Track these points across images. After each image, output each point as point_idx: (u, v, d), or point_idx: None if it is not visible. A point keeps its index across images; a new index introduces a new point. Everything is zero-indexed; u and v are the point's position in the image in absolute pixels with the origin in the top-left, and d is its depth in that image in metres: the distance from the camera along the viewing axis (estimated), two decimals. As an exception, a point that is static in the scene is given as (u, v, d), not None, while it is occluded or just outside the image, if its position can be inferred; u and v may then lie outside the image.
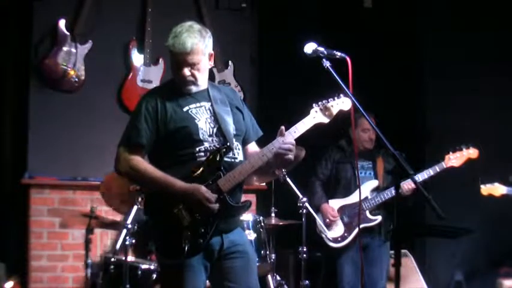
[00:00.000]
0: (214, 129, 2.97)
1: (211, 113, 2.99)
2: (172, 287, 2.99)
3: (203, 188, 2.87)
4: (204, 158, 2.92)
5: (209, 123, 2.98)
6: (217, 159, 2.92)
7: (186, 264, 2.87)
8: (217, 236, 2.93)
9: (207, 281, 3.05)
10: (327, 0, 6.01)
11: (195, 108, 2.98)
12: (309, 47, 2.95)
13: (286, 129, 3.00)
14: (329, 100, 3.08)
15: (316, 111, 3.07)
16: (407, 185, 4.46)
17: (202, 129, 2.95)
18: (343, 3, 6.06)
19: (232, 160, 2.98)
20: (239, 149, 3.05)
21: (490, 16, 5.87)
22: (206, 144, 2.94)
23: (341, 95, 3.07)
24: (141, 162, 2.94)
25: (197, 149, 2.93)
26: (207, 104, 3.01)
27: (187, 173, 2.91)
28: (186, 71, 2.95)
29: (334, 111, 3.08)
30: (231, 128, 3.01)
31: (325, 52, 2.93)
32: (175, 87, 3.02)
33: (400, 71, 6.09)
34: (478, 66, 5.87)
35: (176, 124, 2.93)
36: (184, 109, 2.97)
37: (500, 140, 5.64)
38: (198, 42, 2.93)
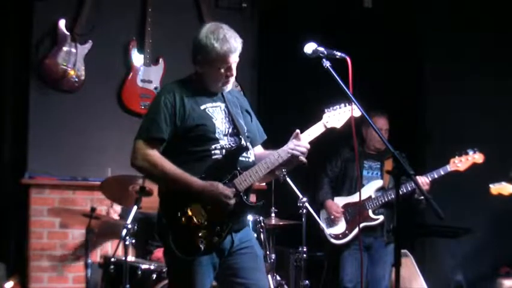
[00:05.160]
0: (229, 129, 3.00)
1: (226, 114, 3.03)
2: (181, 284, 3.00)
3: (221, 185, 2.89)
4: (219, 156, 2.94)
5: (225, 123, 3.00)
6: (234, 158, 2.95)
7: (197, 263, 2.89)
8: (228, 235, 2.95)
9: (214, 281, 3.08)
10: (327, 0, 6.00)
11: (211, 107, 3.01)
12: (309, 47, 2.94)
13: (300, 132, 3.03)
14: (340, 106, 3.10)
15: (328, 116, 3.09)
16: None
17: (218, 128, 2.97)
18: (343, 3, 6.05)
19: (246, 159, 3.01)
20: (251, 149, 3.08)
21: (490, 16, 5.87)
22: (222, 143, 2.96)
23: (347, 104, 3.07)
24: (159, 158, 2.92)
25: (213, 146, 2.94)
26: (222, 105, 3.05)
27: (202, 170, 2.92)
28: (234, 71, 3.03)
29: (346, 117, 3.09)
30: (244, 129, 3.05)
31: (325, 52, 2.92)
32: (193, 85, 3.04)
33: (400, 71, 6.09)
34: (478, 66, 5.87)
35: (194, 121, 2.94)
36: (202, 107, 2.98)
37: (500, 140, 5.65)
38: (241, 42, 3.05)
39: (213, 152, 2.94)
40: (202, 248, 2.86)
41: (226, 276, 3.01)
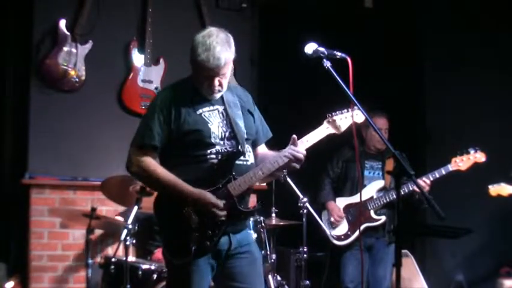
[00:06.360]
0: (227, 133, 2.99)
1: (224, 117, 3.01)
2: (178, 286, 3.00)
3: (209, 195, 2.89)
4: (215, 161, 2.94)
5: (221, 127, 2.99)
6: (230, 162, 2.94)
7: (193, 264, 2.89)
8: (224, 236, 2.95)
9: (211, 281, 3.09)
10: (327, 0, 6.01)
11: (208, 111, 2.99)
12: (310, 48, 2.95)
13: (299, 137, 3.02)
14: (342, 112, 3.08)
15: (329, 122, 3.08)
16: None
17: (214, 133, 2.96)
18: (343, 3, 6.06)
19: (244, 163, 3.01)
20: (250, 152, 3.08)
21: (490, 16, 5.87)
22: (218, 147, 2.96)
23: (355, 107, 3.04)
24: (153, 165, 2.95)
25: (208, 151, 2.94)
26: (220, 108, 3.03)
27: (197, 174, 2.92)
28: (216, 82, 2.95)
29: (347, 123, 3.08)
30: (243, 132, 3.03)
31: (326, 52, 2.93)
32: (190, 88, 3.02)
33: (400, 70, 6.09)
34: (478, 66, 5.87)
35: (189, 127, 2.94)
36: (198, 112, 2.97)
37: (500, 140, 5.64)
38: (230, 55, 2.93)
39: (208, 156, 2.94)
40: (193, 250, 2.86)
41: (224, 279, 3.01)
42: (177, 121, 2.94)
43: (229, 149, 2.97)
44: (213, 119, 2.99)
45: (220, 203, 2.89)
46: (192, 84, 3.03)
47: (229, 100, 3.07)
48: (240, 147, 2.97)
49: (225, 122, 3.01)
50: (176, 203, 2.91)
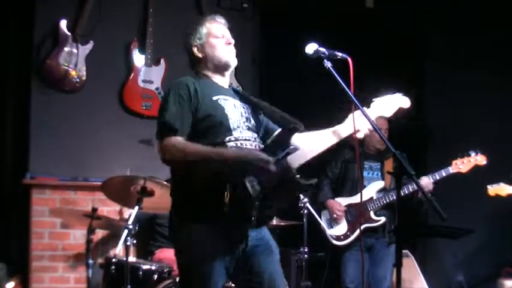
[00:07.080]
0: (241, 122, 2.99)
1: (237, 107, 3.03)
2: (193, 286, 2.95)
3: (255, 151, 2.87)
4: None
5: (237, 115, 3.00)
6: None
7: (209, 267, 2.84)
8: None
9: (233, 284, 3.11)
10: (328, 0, 6.01)
11: (223, 99, 3.01)
12: (310, 48, 2.95)
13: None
14: (389, 97, 3.12)
15: (377, 105, 3.11)
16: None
17: (231, 118, 2.96)
18: (344, 3, 6.06)
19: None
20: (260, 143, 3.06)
21: (490, 16, 5.88)
22: (235, 134, 2.93)
23: (397, 93, 3.12)
24: (185, 144, 2.85)
25: (227, 138, 2.91)
26: (232, 99, 3.05)
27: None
28: (230, 38, 3.12)
29: (394, 107, 3.15)
30: (253, 123, 3.05)
31: (327, 53, 2.93)
32: (201, 79, 3.04)
33: (401, 71, 6.09)
34: (479, 66, 5.87)
35: (208, 111, 2.92)
36: (214, 98, 2.98)
37: (501, 140, 5.65)
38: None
39: (227, 144, 2.90)
40: (255, 220, 2.82)
41: (242, 274, 2.97)
42: (195, 105, 2.91)
43: (246, 138, 2.95)
44: (228, 107, 2.99)
45: (266, 155, 2.83)
46: (201, 78, 3.05)
47: (236, 96, 3.12)
48: (256, 136, 2.99)
49: (240, 111, 3.03)
50: (218, 183, 2.77)
